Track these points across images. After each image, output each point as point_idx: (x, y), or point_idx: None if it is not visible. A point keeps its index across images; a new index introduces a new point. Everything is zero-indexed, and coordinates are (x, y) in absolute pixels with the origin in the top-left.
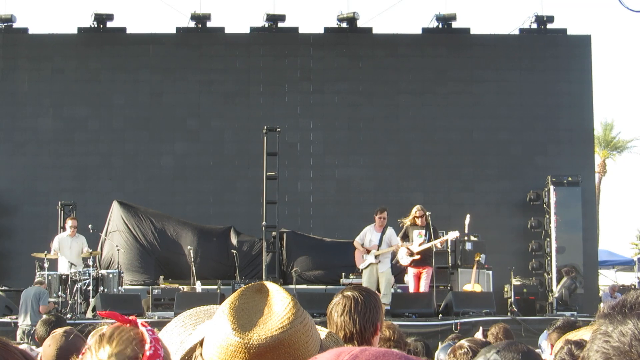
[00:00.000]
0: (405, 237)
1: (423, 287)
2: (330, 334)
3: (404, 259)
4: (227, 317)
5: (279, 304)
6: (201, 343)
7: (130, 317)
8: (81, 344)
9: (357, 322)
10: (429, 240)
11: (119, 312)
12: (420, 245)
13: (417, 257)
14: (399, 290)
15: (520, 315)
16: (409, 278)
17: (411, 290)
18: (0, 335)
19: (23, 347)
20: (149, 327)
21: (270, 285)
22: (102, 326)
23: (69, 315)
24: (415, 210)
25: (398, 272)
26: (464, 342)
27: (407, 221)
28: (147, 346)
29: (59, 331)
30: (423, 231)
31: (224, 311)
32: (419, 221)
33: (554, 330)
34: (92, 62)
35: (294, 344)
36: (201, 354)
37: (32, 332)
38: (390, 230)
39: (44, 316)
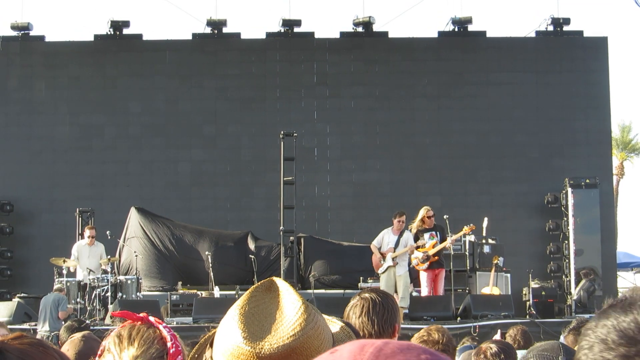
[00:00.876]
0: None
1: (440, 290)
2: (343, 327)
3: (421, 263)
4: (237, 324)
5: (290, 307)
6: (211, 343)
7: (141, 315)
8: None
9: (375, 323)
10: (441, 241)
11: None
12: (433, 246)
13: (434, 259)
14: (415, 294)
15: (539, 318)
16: (423, 281)
17: (424, 293)
18: None
19: None
20: (164, 324)
21: (280, 283)
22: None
23: (87, 322)
24: (425, 211)
25: (415, 275)
26: (492, 344)
27: (415, 226)
28: (168, 344)
29: (77, 335)
30: (434, 232)
31: (233, 317)
32: (429, 221)
33: (570, 332)
34: (108, 69)
35: (307, 350)
36: (211, 357)
37: (50, 338)
38: (407, 234)
39: (67, 322)
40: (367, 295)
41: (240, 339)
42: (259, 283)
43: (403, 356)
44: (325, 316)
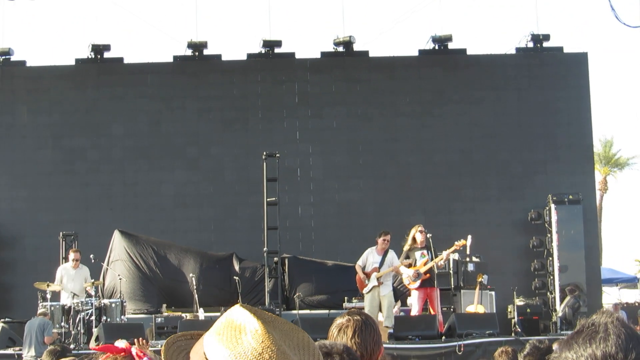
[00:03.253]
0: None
1: (437, 309)
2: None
3: (412, 282)
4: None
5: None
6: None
7: (124, 347)
8: None
9: (368, 344)
10: (432, 259)
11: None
12: (425, 264)
13: (425, 277)
14: (401, 313)
15: (524, 336)
16: (414, 300)
17: (415, 312)
18: None
19: None
20: (146, 358)
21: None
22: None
23: (72, 346)
24: (418, 228)
25: (401, 294)
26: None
27: (407, 244)
28: None
29: None
30: (425, 251)
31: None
32: (421, 237)
33: (525, 357)
34: (90, 93)
35: None
36: None
37: None
38: (391, 253)
39: (49, 346)
40: (357, 317)
41: None
42: (225, 319)
43: None
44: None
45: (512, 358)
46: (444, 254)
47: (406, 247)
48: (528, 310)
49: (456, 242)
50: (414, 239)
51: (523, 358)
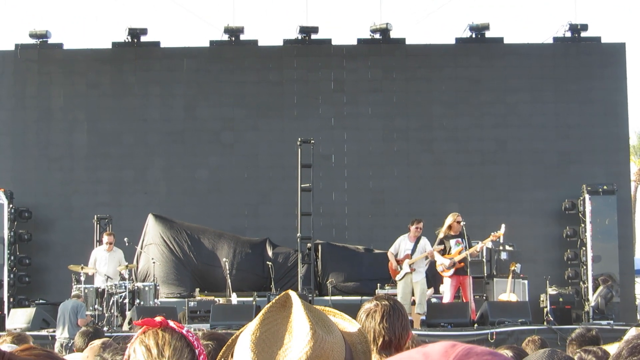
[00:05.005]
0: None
1: (469, 296)
2: (361, 330)
3: (446, 270)
4: (249, 351)
5: (299, 332)
6: (232, 353)
7: (158, 319)
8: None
9: (396, 329)
10: (467, 248)
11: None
12: (459, 252)
13: (459, 265)
14: (435, 300)
15: (556, 325)
16: (446, 287)
17: (447, 299)
18: None
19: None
20: (185, 329)
21: (294, 300)
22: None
23: (105, 328)
24: (454, 216)
25: (434, 280)
26: (507, 350)
27: (441, 232)
28: (196, 351)
29: (97, 342)
30: (460, 239)
31: (246, 343)
32: (457, 226)
33: (570, 343)
34: (126, 77)
35: None
36: None
37: (70, 344)
38: (424, 240)
39: (82, 328)
40: (385, 301)
41: None
42: (274, 300)
43: (491, 357)
44: (340, 316)
45: (539, 347)
46: (480, 244)
47: (441, 235)
48: (560, 299)
49: (493, 233)
50: (449, 227)
51: (569, 342)
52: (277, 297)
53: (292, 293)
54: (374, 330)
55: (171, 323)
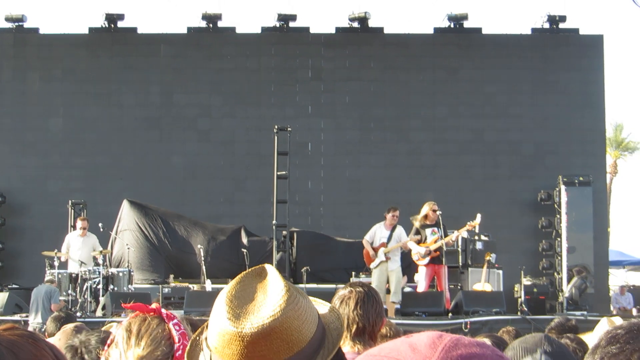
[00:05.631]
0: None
1: (444, 286)
2: (332, 309)
3: (421, 258)
4: (223, 305)
5: (273, 290)
6: (207, 325)
7: (154, 306)
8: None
9: (370, 316)
10: (443, 237)
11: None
12: (435, 242)
13: (434, 254)
14: (409, 289)
15: (530, 315)
16: (421, 276)
17: (421, 289)
18: None
19: None
20: (176, 320)
21: (270, 270)
22: (127, 318)
23: (78, 314)
24: (431, 204)
25: (409, 270)
26: (485, 338)
27: (417, 221)
28: (176, 345)
29: (70, 326)
30: (436, 228)
31: (221, 299)
32: (432, 215)
33: (549, 332)
34: (102, 62)
35: (287, 330)
36: (206, 339)
37: (43, 330)
38: (400, 229)
39: (54, 313)
40: (359, 288)
41: (225, 319)
42: (252, 268)
43: (479, 348)
44: (313, 298)
45: (514, 337)
46: (455, 233)
47: (417, 223)
48: (535, 290)
49: (469, 223)
50: (425, 216)
51: (547, 331)
52: (253, 267)
53: (267, 265)
54: (348, 317)
55: (164, 311)
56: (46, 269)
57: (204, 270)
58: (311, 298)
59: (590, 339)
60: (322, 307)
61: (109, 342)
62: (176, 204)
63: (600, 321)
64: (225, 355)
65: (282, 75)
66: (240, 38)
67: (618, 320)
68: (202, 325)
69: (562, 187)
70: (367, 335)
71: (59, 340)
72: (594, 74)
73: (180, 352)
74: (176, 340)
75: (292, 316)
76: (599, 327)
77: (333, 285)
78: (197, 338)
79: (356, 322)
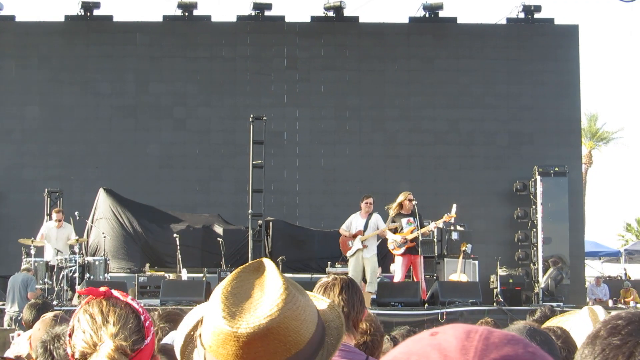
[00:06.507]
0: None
1: (420, 276)
2: (332, 306)
3: (397, 247)
4: (219, 302)
5: (271, 288)
6: (202, 321)
7: (102, 289)
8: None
9: (354, 302)
10: (419, 227)
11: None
12: (411, 232)
13: (410, 244)
14: (386, 280)
15: (506, 306)
16: (397, 267)
17: (397, 279)
18: None
19: (25, 335)
20: (130, 297)
21: (268, 265)
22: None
23: (55, 302)
24: (407, 194)
25: (384, 260)
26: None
27: (393, 210)
28: (142, 317)
29: (49, 315)
30: (412, 218)
31: (216, 296)
32: (408, 205)
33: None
34: (78, 50)
35: (284, 330)
36: (200, 336)
37: (19, 318)
38: (376, 216)
39: (31, 301)
40: (343, 276)
41: (220, 318)
42: (247, 263)
43: (511, 348)
44: (311, 293)
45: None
46: (432, 224)
47: (392, 213)
48: (510, 280)
49: (446, 214)
50: (400, 205)
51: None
52: (251, 261)
53: (266, 260)
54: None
55: (115, 292)
56: (23, 257)
57: (180, 259)
58: (309, 293)
59: (570, 325)
60: (321, 303)
61: (68, 332)
62: (152, 192)
63: (581, 310)
64: (220, 355)
65: (258, 64)
66: (216, 27)
67: (599, 310)
68: (179, 318)
69: (538, 178)
70: (351, 322)
71: (39, 330)
72: (569, 64)
73: (148, 322)
74: (140, 311)
75: (290, 316)
76: (580, 316)
77: (309, 275)
78: (192, 333)
79: (342, 306)
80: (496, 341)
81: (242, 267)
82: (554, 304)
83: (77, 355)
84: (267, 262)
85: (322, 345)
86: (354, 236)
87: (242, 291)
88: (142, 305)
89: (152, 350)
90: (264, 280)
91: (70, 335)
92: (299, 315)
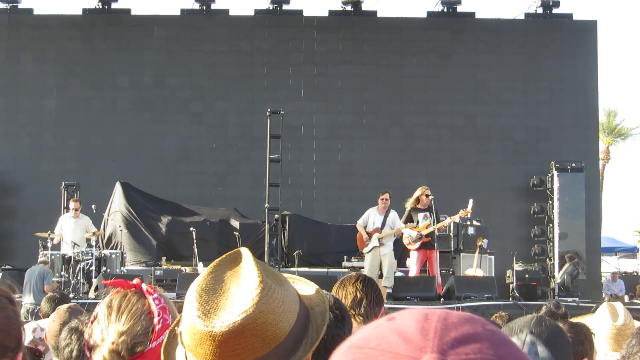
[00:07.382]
0: (410, 221)
1: (436, 271)
2: (318, 290)
3: (412, 242)
4: (193, 300)
5: (246, 281)
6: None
7: (135, 282)
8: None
9: (368, 293)
10: (435, 223)
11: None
12: (427, 227)
13: (426, 239)
14: (401, 274)
15: (522, 301)
16: (412, 261)
17: (413, 273)
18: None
19: (30, 325)
20: (155, 294)
21: (245, 255)
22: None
23: (71, 295)
24: (423, 190)
25: (400, 255)
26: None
27: (409, 204)
28: (155, 320)
29: (64, 307)
30: (428, 213)
31: (192, 293)
32: (425, 200)
33: None
34: (96, 43)
35: (261, 326)
36: (180, 334)
37: (36, 310)
38: (393, 213)
39: (49, 293)
40: (363, 274)
41: (195, 317)
42: (225, 255)
43: (470, 326)
44: (299, 278)
45: (507, 322)
46: (448, 220)
47: (408, 207)
48: (526, 275)
49: (462, 210)
50: (417, 200)
51: None
52: (228, 252)
53: (243, 249)
54: (347, 292)
55: (144, 286)
56: (39, 250)
57: (196, 253)
58: (298, 278)
59: (591, 322)
60: (308, 288)
61: (92, 318)
62: (168, 185)
63: (600, 306)
64: (199, 355)
65: (275, 58)
66: (234, 20)
67: (619, 306)
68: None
69: (555, 173)
70: (364, 311)
71: (53, 321)
72: (587, 60)
73: (160, 325)
74: (155, 314)
75: (267, 310)
76: (600, 312)
77: (324, 270)
78: (175, 329)
79: (356, 292)
80: (455, 321)
81: (219, 259)
82: (570, 300)
83: (90, 343)
84: (245, 252)
85: (306, 334)
86: (371, 234)
87: (217, 286)
88: (165, 303)
89: (159, 354)
90: (240, 272)
91: (92, 322)
92: (276, 308)
